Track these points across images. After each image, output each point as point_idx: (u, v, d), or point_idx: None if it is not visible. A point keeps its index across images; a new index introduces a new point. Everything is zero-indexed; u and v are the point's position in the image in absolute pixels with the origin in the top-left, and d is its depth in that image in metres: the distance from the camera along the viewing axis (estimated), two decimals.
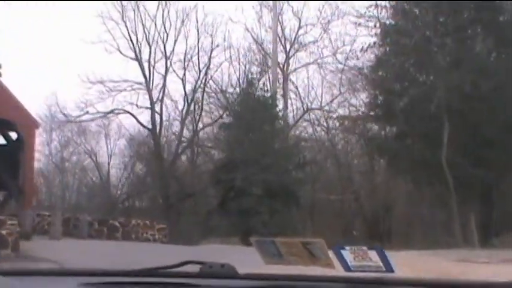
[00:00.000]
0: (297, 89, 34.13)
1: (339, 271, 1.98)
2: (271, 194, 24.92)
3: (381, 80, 25.87)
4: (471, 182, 22.79)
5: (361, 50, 26.64)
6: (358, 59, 28.48)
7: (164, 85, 31.68)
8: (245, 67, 31.39)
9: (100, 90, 30.55)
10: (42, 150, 32.19)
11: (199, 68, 31.37)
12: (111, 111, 31.16)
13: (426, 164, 23.48)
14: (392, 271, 1.92)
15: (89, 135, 34.20)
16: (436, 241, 21.96)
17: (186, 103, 31.56)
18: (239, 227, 23.80)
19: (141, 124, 31.55)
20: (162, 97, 31.72)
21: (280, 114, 29.38)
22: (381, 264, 1.93)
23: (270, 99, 27.85)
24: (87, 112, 30.70)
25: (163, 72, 31.15)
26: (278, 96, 30.60)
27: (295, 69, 33.90)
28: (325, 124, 33.21)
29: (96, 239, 20.28)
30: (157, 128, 31.35)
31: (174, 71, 31.43)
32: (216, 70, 31.70)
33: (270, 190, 24.84)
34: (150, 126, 31.37)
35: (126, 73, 37.90)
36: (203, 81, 31.44)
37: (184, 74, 31.51)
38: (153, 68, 31.64)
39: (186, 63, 31.41)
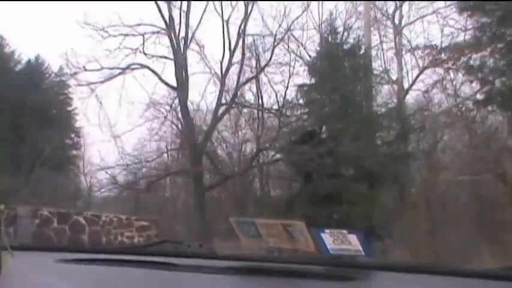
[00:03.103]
0: (409, 43, 25.34)
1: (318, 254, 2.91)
2: (368, 177, 18.87)
3: None
4: None
5: None
6: None
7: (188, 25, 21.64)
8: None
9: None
10: None
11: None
12: (128, 67, 21.08)
13: None
14: (371, 256, 1.38)
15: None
16: None
17: (229, 51, 21.26)
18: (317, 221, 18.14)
19: (165, 82, 21.36)
20: (186, 42, 21.71)
21: (381, 70, 22.73)
22: (360, 248, 1.51)
23: (362, 49, 21.48)
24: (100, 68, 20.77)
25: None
26: (390, 54, 23.83)
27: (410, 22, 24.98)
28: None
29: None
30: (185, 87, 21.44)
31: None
32: None
33: (366, 171, 18.75)
34: (174, 84, 21.56)
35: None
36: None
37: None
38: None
39: None
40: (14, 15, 46.02)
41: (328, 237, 2.15)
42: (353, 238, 2.18)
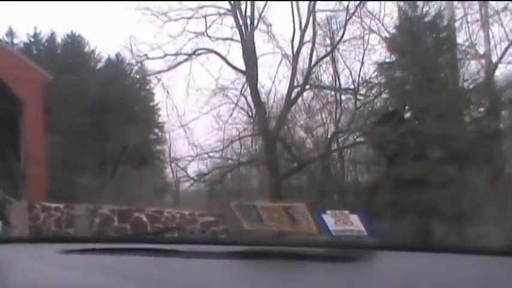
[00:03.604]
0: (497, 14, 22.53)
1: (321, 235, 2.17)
2: (456, 158, 17.27)
3: None
4: None
5: None
6: None
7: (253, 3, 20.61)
8: None
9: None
10: None
11: None
12: (194, 53, 20.06)
13: None
14: (375, 236, 2.09)
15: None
16: None
17: (300, 29, 19.93)
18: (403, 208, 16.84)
19: (232, 66, 20.22)
20: (253, 22, 20.40)
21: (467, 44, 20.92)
22: (362, 228, 2.02)
23: (445, 22, 19.70)
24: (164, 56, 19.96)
25: None
26: (476, 27, 22.11)
27: None
28: None
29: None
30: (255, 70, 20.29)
31: None
32: None
33: (454, 151, 17.31)
34: (242, 67, 20.38)
35: None
36: None
37: None
38: None
39: None
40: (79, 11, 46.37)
41: (330, 219, 2.10)
42: (355, 218, 2.13)
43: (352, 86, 20.30)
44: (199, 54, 19.76)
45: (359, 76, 20.36)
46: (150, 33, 21.82)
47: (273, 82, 20.74)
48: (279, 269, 1.90)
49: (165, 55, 19.45)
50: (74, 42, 34.61)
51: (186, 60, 19.61)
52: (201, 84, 20.70)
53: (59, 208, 14.00)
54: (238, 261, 1.97)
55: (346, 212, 2.00)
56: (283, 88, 21.02)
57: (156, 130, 36.55)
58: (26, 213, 13.44)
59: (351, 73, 20.55)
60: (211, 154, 20.49)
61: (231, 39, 19.90)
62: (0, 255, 1.95)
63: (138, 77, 35.56)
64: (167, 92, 20.15)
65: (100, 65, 35.63)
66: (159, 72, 19.93)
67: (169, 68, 19.61)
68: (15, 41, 33.44)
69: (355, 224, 1.98)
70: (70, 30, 34.43)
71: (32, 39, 33.46)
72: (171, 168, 32.43)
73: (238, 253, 2.00)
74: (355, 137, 20.58)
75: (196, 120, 20.45)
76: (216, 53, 19.69)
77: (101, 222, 13.77)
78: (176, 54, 19.45)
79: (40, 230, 13.52)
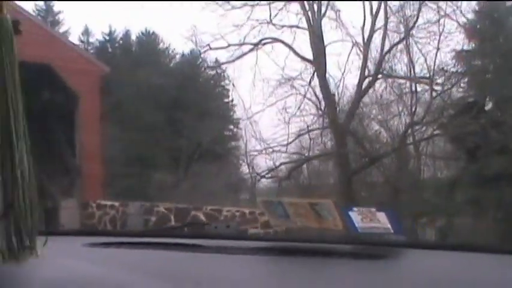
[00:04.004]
0: None
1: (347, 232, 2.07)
2: None
3: None
4: None
5: None
6: None
7: None
8: None
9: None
10: None
11: None
12: (259, 42, 19.27)
13: None
14: (401, 233, 2.04)
15: None
16: None
17: (371, 15, 18.91)
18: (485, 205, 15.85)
19: (300, 55, 19.26)
20: (320, 8, 19.57)
21: None
22: (389, 226, 2.00)
23: None
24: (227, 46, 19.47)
25: None
26: None
27: None
28: None
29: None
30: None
31: None
32: None
33: None
34: (309, 57, 19.45)
35: None
36: None
37: None
38: None
39: None
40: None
41: (356, 216, 1.96)
42: (382, 216, 1.98)
43: (427, 75, 19.21)
44: (265, 43, 19.15)
45: (435, 64, 19.27)
46: (212, 22, 21.44)
47: (343, 72, 19.81)
48: (305, 266, 1.88)
49: (229, 45, 18.94)
50: (148, 40, 34.83)
51: (251, 50, 18.97)
52: (266, 75, 20.13)
53: (114, 206, 13.67)
54: (263, 257, 1.98)
55: (373, 209, 2.01)
56: (353, 78, 20.17)
57: (231, 126, 36.31)
58: (77, 211, 13.19)
59: (426, 61, 19.50)
60: (277, 149, 19.73)
61: (297, 27, 19.16)
62: None
63: (213, 73, 35.65)
64: (233, 84, 19.58)
65: (174, 61, 35.66)
66: (225, 63, 19.37)
67: (235, 59, 19.04)
68: (91, 39, 34.02)
69: (381, 221, 1.99)
70: (144, 27, 34.75)
71: (107, 37, 33.84)
72: (247, 165, 32.09)
73: (264, 249, 2.02)
74: (432, 129, 19.63)
75: (262, 112, 19.82)
76: (282, 41, 19.00)
77: (157, 220, 13.47)
78: (240, 44, 18.96)
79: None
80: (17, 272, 1.59)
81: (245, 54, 18.91)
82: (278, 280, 1.76)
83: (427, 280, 1.66)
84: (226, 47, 18.92)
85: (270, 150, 19.68)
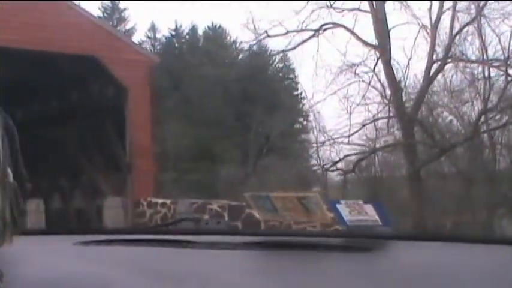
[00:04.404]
0: None
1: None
2: None
3: None
4: None
5: None
6: None
7: None
8: None
9: None
10: None
11: None
12: (320, 28, 18.72)
13: None
14: (389, 225, 2.06)
15: None
16: None
17: None
18: None
19: (363, 41, 18.76)
20: None
21: None
22: (377, 217, 2.04)
23: None
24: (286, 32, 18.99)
25: None
26: None
27: None
28: None
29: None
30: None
31: None
32: None
33: None
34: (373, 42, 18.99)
35: None
36: None
37: None
38: None
39: None
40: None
41: (344, 208, 1.91)
42: (369, 208, 1.92)
43: (502, 58, 18.22)
44: (326, 29, 18.60)
45: (510, 46, 18.23)
46: (270, 9, 21.06)
47: (409, 57, 19.10)
48: (294, 259, 1.92)
49: (287, 32, 18.39)
50: (215, 34, 34.72)
51: (311, 36, 18.37)
52: (326, 62, 19.58)
53: (165, 204, 13.30)
54: (253, 252, 2.02)
55: (360, 201, 2.03)
56: (421, 64, 19.50)
57: (301, 119, 35.83)
58: (128, 210, 12.91)
59: (500, 43, 18.47)
60: (340, 140, 19.07)
61: (359, 10, 18.53)
62: (13, 248, 1.80)
63: (281, 65, 35.14)
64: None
65: (242, 55, 35.48)
66: (285, 51, 18.86)
67: (295, 46, 18.46)
68: (158, 35, 34.18)
69: (369, 213, 2.01)
70: (211, 22, 34.66)
71: (173, 33, 33.88)
72: (318, 157, 31.56)
73: (254, 243, 2.05)
74: (507, 117, 18.65)
75: (323, 102, 19.20)
76: (344, 26, 18.43)
77: (210, 219, 12.90)
78: (300, 31, 18.51)
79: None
80: (6, 271, 1.58)
81: (305, 41, 18.39)
82: (268, 274, 1.78)
83: (413, 270, 1.68)
84: (285, 33, 18.42)
85: (332, 141, 19.14)
